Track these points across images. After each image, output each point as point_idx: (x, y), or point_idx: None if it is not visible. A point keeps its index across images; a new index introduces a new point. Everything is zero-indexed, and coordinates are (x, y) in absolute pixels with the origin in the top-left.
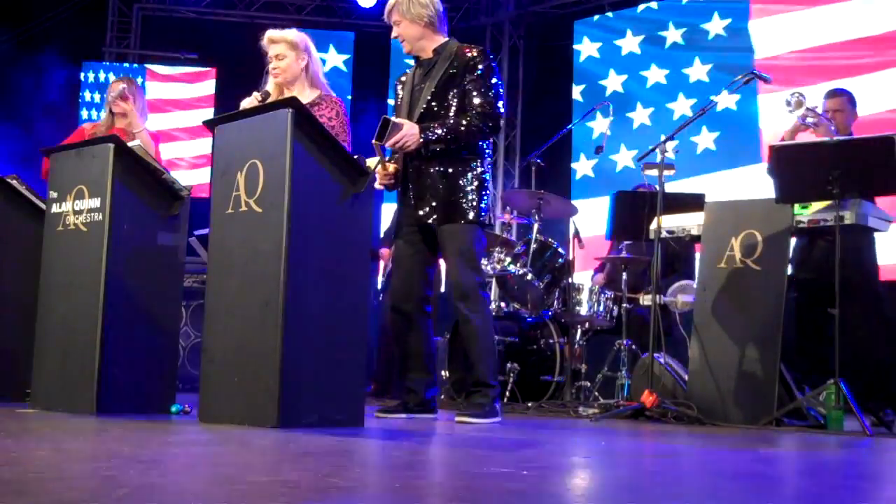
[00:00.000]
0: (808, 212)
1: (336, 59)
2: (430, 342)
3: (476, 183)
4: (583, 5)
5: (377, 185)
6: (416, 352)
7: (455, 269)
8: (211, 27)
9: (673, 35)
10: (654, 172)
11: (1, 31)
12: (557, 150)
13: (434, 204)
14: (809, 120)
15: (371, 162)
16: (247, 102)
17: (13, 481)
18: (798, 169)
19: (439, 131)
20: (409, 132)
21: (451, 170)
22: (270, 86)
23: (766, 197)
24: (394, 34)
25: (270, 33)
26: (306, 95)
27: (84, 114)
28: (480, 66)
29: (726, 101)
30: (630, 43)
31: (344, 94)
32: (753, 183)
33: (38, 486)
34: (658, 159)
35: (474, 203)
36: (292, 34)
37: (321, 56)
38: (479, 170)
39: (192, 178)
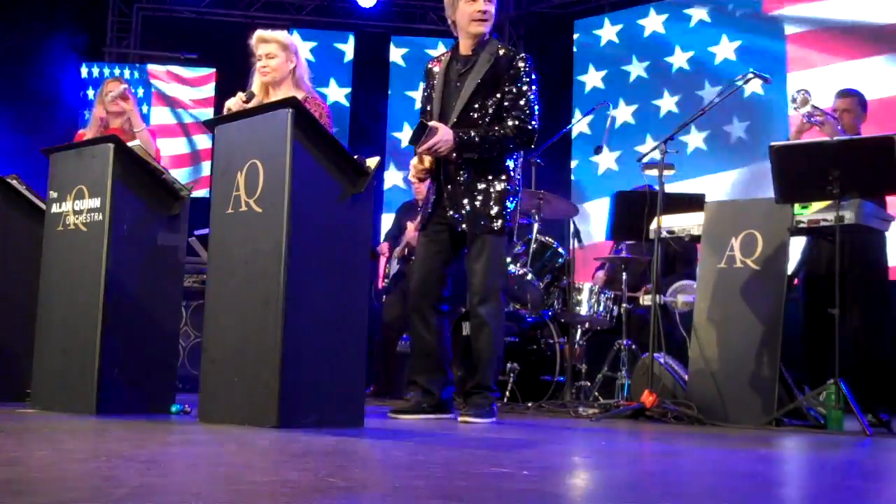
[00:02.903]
0: (808, 212)
1: (337, 93)
2: (446, 342)
3: (508, 193)
4: (583, 5)
5: (410, 178)
6: (431, 351)
7: (481, 273)
8: (211, 27)
9: (699, 14)
10: (654, 172)
11: (1, 31)
12: (557, 150)
13: (467, 210)
14: (815, 118)
15: (371, 162)
16: (231, 102)
17: (13, 481)
18: (798, 169)
19: (474, 140)
20: (443, 137)
21: (485, 178)
22: (256, 86)
23: (766, 197)
24: (486, 7)
25: (261, 33)
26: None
27: (85, 114)
28: (522, 76)
29: (752, 86)
30: (654, 23)
31: (343, 94)
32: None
33: (38, 486)
34: (655, 157)
35: (505, 213)
36: (283, 35)
37: (342, 47)
38: (512, 179)
39: (191, 174)
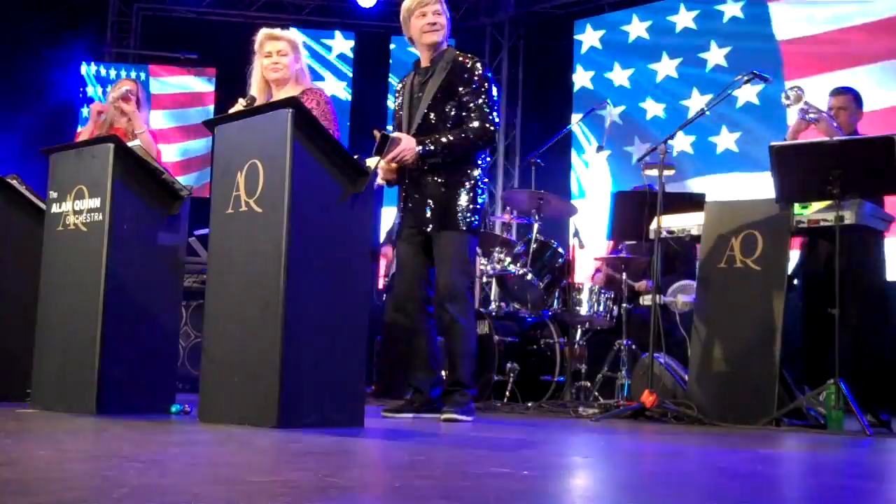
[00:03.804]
0: (808, 212)
1: (343, 44)
2: (434, 342)
3: (471, 192)
4: (583, 5)
5: (378, 181)
6: (420, 352)
7: (446, 272)
8: (211, 27)
9: (684, 19)
10: (654, 172)
11: (1, 31)
12: (558, 150)
13: (431, 212)
14: (811, 115)
15: (371, 162)
16: (234, 111)
17: (13, 481)
18: (798, 169)
19: (436, 146)
20: (406, 147)
21: (447, 179)
22: (256, 87)
23: (766, 197)
24: (435, 19)
25: (270, 31)
26: (292, 93)
27: (85, 111)
28: (477, 79)
29: (747, 93)
30: (637, 29)
31: (344, 94)
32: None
33: (38, 486)
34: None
35: (469, 212)
36: (292, 34)
37: (328, 42)
38: (475, 178)
39: (187, 180)
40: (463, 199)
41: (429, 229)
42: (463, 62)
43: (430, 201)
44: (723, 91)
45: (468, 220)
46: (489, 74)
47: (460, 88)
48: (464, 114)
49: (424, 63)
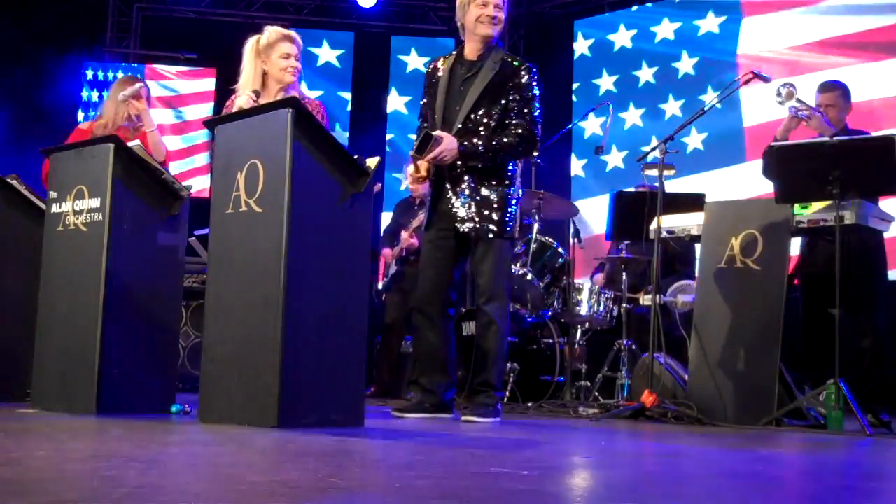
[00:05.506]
0: (808, 212)
1: (329, 54)
2: (452, 344)
3: (511, 198)
4: (583, 5)
5: (409, 186)
6: (436, 353)
7: (488, 273)
8: (211, 27)
9: (664, 31)
10: (654, 172)
11: (1, 31)
12: (557, 150)
13: (472, 216)
14: (802, 113)
15: (371, 162)
16: (244, 102)
17: (13, 481)
18: (798, 169)
19: (478, 149)
20: (447, 147)
21: (489, 184)
22: (256, 84)
23: (765, 196)
24: (495, 13)
25: (287, 31)
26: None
27: (82, 115)
28: (526, 86)
29: (708, 98)
30: (622, 38)
31: (342, 94)
32: (738, 184)
33: (38, 486)
34: (653, 157)
35: (509, 217)
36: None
37: (315, 51)
38: (513, 184)
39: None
40: (504, 205)
41: (468, 231)
42: (514, 65)
43: (471, 205)
44: (723, 91)
45: (508, 225)
46: (536, 84)
47: (508, 94)
48: (507, 120)
49: (471, 55)
